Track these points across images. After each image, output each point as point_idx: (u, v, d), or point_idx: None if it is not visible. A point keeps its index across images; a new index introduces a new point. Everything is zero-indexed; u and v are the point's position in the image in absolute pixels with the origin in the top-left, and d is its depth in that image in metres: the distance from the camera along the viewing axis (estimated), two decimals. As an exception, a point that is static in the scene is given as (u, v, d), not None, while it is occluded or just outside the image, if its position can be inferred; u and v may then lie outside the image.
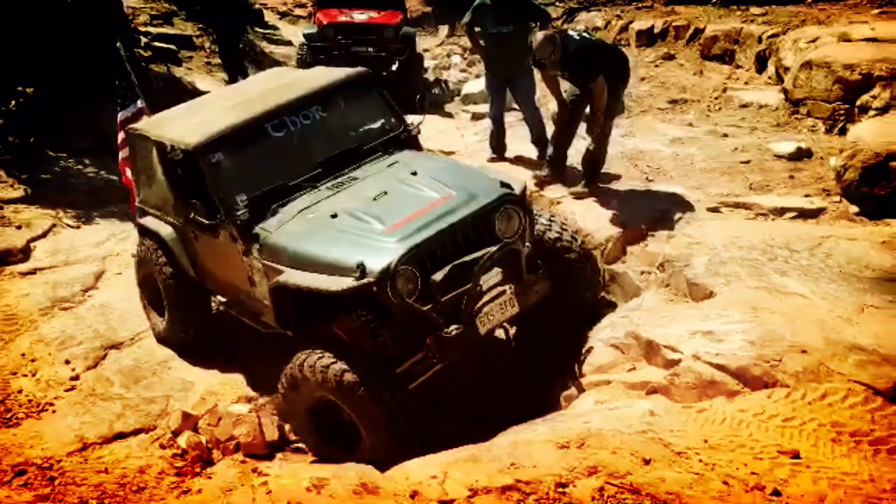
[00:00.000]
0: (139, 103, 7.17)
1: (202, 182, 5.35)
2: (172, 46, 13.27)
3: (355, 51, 12.29)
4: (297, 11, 19.61)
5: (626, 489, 3.35)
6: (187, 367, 6.06)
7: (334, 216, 4.95)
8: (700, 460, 3.61)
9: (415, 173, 5.25)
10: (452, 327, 4.55)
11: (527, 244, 4.94)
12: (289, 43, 16.05)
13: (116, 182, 7.33)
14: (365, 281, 4.40)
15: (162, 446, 5.16)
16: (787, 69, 9.87)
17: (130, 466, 4.89)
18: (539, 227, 5.30)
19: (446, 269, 4.62)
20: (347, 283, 4.46)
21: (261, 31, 16.31)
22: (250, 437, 5.12)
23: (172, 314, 6.11)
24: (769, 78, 10.75)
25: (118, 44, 7.32)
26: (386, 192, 5.08)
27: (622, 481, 3.40)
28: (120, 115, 7.18)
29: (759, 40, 11.51)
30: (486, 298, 4.71)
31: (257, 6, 16.71)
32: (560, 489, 3.36)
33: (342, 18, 12.61)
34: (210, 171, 5.22)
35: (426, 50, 15.26)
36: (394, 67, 12.38)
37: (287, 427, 5.29)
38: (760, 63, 11.32)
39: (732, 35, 12.15)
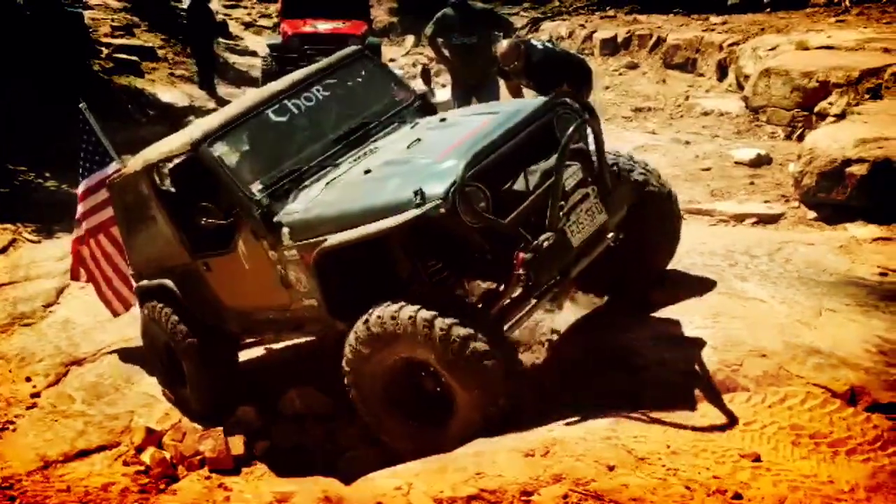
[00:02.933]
0: (112, 166, 6.37)
1: (208, 188, 5.00)
2: (135, 58, 13.17)
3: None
4: (262, 22, 19.58)
5: (589, 495, 3.37)
6: (151, 382, 5.98)
7: (368, 171, 4.50)
8: (662, 465, 3.63)
9: (444, 119, 4.95)
10: (543, 237, 3.97)
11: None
12: (254, 53, 16.01)
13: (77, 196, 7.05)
14: (431, 205, 3.88)
15: (125, 463, 5.09)
16: (747, 77, 10.05)
17: (93, 484, 4.82)
18: (620, 163, 4.79)
19: (520, 176, 4.18)
20: (408, 215, 3.93)
21: (225, 41, 16.24)
22: (216, 452, 5.07)
23: (198, 378, 5.47)
24: (730, 86, 10.95)
25: (81, 104, 6.52)
26: (419, 139, 4.66)
27: (586, 488, 3.41)
28: (83, 185, 6.51)
29: (720, 49, 11.71)
30: (570, 203, 4.17)
31: (221, 17, 16.64)
32: (525, 497, 3.37)
33: (307, 29, 12.63)
34: (217, 165, 4.76)
35: (392, 60, 15.29)
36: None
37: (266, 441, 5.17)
38: (721, 71, 11.53)
39: (694, 44, 12.36)
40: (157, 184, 5.34)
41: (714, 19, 13.02)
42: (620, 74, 12.84)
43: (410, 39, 16.39)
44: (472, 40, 7.43)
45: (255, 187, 4.65)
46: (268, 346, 6.03)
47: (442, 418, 4.06)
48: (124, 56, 13.04)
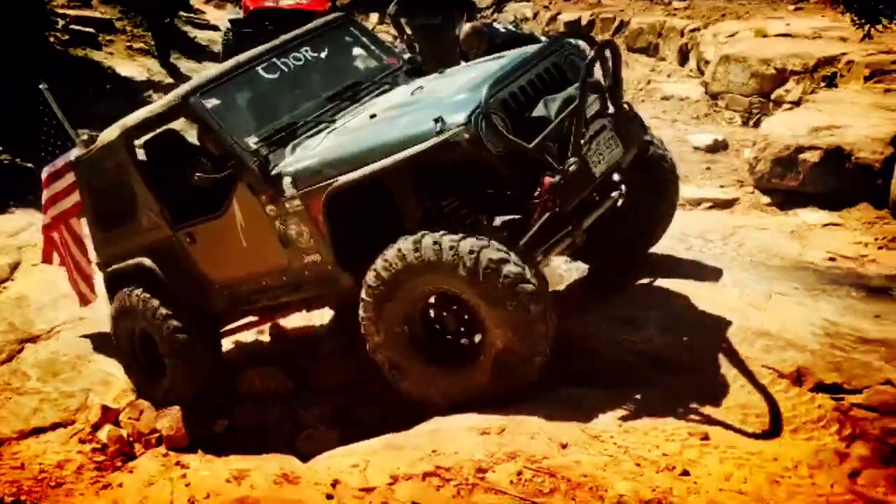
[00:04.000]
0: (74, 151, 6.02)
1: (183, 161, 4.78)
2: (91, 30, 12.89)
3: (283, 37, 12.14)
4: (224, -5, 19.24)
5: (543, 472, 3.45)
6: (108, 359, 5.93)
7: (373, 116, 4.39)
8: (614, 443, 3.73)
9: (442, 72, 4.88)
10: (568, 162, 3.87)
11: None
12: (215, 28, 15.74)
13: (34, 169, 6.81)
14: (454, 130, 3.77)
15: (81, 441, 5.05)
16: (707, 63, 10.17)
17: (48, 462, 4.78)
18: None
19: (540, 103, 4.09)
20: (430, 142, 3.82)
21: (186, 15, 15.96)
22: (173, 430, 5.06)
23: (182, 364, 5.17)
24: (691, 71, 11.07)
25: (42, 85, 6.16)
26: (422, 87, 4.59)
27: (539, 465, 3.49)
28: (46, 170, 6.19)
29: (682, 34, 11.83)
30: (589, 133, 4.07)
31: (182, -11, 16.33)
32: (479, 474, 3.44)
33: (269, 4, 12.46)
34: (209, 117, 4.58)
35: (356, 38, 15.14)
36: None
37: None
38: (683, 56, 11.64)
39: (656, 28, 12.46)
40: (135, 152, 5.14)
41: (677, 4, 13.12)
42: (583, 57, 12.91)
43: (375, 17, 16.25)
44: (435, 21, 7.42)
45: (251, 140, 4.51)
46: (253, 328, 5.80)
47: (466, 361, 3.97)
48: (80, 28, 12.75)
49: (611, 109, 4.24)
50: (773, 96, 8.56)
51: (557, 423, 3.87)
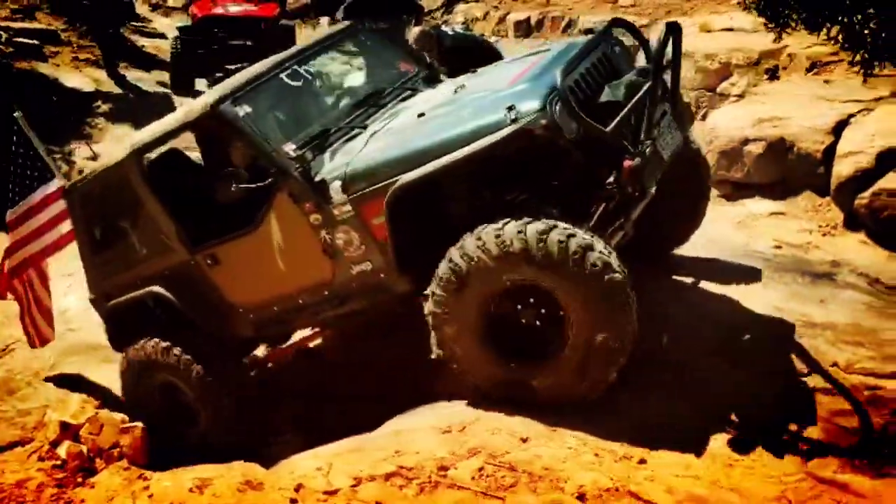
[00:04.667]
0: (54, 183, 5.43)
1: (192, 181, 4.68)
2: (36, 42, 12.66)
3: (232, 44, 12.06)
4: (171, 3, 19.04)
5: (504, 467, 3.51)
6: (66, 376, 5.87)
7: (421, 115, 4.27)
8: (573, 435, 3.79)
9: (475, 71, 4.79)
10: (645, 145, 3.83)
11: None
12: (162, 36, 15.57)
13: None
14: (532, 117, 3.66)
15: (41, 458, 4.98)
16: (654, 59, 10.32)
17: (7, 481, 4.71)
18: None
19: (606, 89, 4.05)
20: (507, 130, 3.70)
21: (133, 24, 15.76)
22: (137, 443, 5.00)
23: (216, 407, 4.81)
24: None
25: (17, 113, 5.57)
26: (463, 86, 4.49)
27: (500, 460, 3.55)
28: (11, 213, 5.61)
29: (629, 31, 11.98)
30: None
31: (127, -2, 16.13)
32: (442, 472, 3.49)
33: (217, 10, 12.36)
34: (243, 125, 4.32)
35: (307, 42, 15.10)
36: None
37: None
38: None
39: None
40: (147, 171, 4.79)
41: (623, 1, 13.31)
42: (534, 56, 13.04)
43: (325, 21, 16.22)
44: (382, 25, 7.45)
45: (289, 147, 4.31)
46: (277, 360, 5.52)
47: (543, 357, 3.82)
48: (25, 40, 12.51)
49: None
50: (718, 90, 8.73)
51: (518, 419, 3.93)
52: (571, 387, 3.80)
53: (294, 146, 4.32)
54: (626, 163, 3.74)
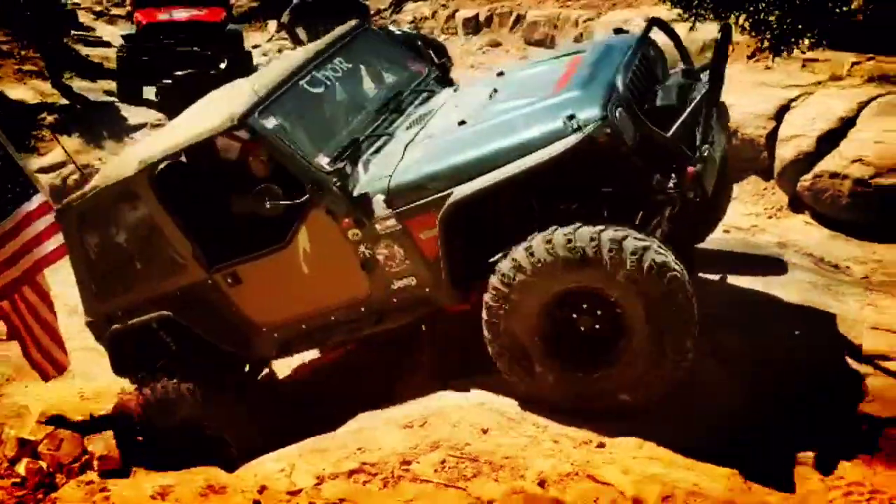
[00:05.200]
0: (36, 199, 5.12)
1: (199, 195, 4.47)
2: (-23, 54, 12.41)
3: (180, 50, 11.95)
4: (115, 11, 18.76)
5: (465, 458, 3.56)
6: (21, 391, 5.78)
7: (463, 122, 4.11)
8: (533, 424, 3.86)
9: (502, 73, 4.67)
10: (703, 149, 3.76)
11: None
12: (108, 44, 15.34)
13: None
14: (594, 125, 3.57)
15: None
16: (600, 51, 10.47)
17: (-35, 502, 4.65)
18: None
19: (659, 92, 3.99)
20: (566, 143, 3.60)
21: (77, 33, 15.50)
22: (106, 451, 4.95)
23: (239, 429, 4.62)
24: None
25: None
26: (496, 90, 4.37)
27: (462, 451, 3.60)
28: None
29: (576, 24, 12.14)
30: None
31: (69, 6, 15.86)
32: (404, 466, 3.53)
33: (162, 17, 12.22)
34: (276, 138, 4.13)
35: (256, 46, 15.01)
36: (222, 66, 12.14)
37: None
38: (578, 46, 11.93)
39: (552, 20, 12.75)
40: (159, 188, 4.49)
41: (569, -4, 13.45)
42: (484, 53, 13.10)
43: (273, 24, 16.13)
44: (329, 26, 7.44)
45: (322, 160, 4.13)
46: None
47: (602, 363, 3.73)
48: (-35, 53, 12.26)
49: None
50: (664, 80, 8.89)
51: (477, 410, 3.98)
52: (634, 391, 3.70)
53: (328, 158, 4.14)
54: (690, 169, 3.69)
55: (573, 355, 3.75)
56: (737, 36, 8.02)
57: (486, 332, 3.82)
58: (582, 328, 3.72)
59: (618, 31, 4.80)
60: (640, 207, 3.92)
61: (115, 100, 12.46)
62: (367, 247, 4.06)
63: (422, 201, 3.89)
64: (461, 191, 3.78)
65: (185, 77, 11.84)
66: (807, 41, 3.31)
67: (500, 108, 4.12)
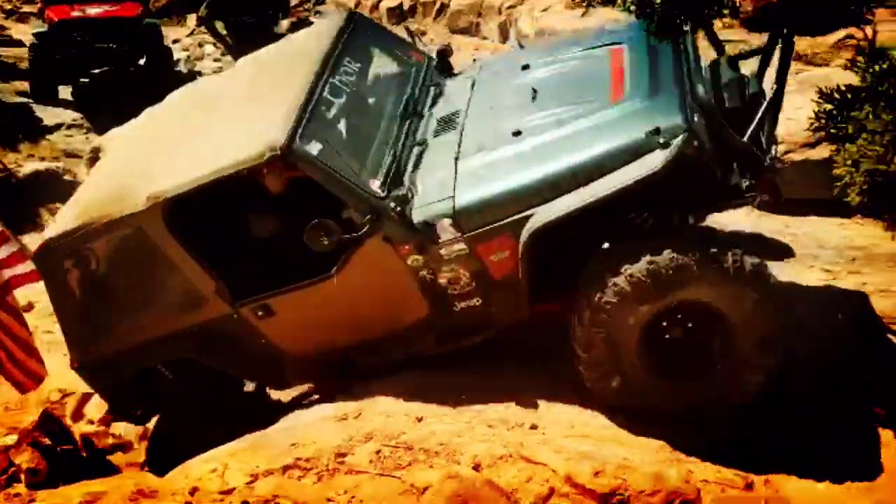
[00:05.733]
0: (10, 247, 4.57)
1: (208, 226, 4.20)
2: None
3: (96, 48, 11.58)
4: (26, 8, 18.06)
5: (401, 447, 3.58)
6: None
7: (518, 133, 3.92)
8: (467, 410, 3.89)
9: (527, 66, 4.44)
10: (772, 153, 3.78)
11: None
12: (20, 43, 14.78)
13: None
14: (682, 138, 3.45)
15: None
16: (525, 37, 10.56)
17: None
18: None
19: (726, 93, 3.89)
20: (657, 160, 3.46)
21: (-16, 32, 14.91)
22: (34, 463, 4.78)
23: None
24: (512, 47, 11.45)
25: None
26: (535, 90, 4.16)
27: (397, 441, 3.61)
28: None
29: (500, 11, 12.21)
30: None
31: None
32: (339, 459, 3.52)
33: (75, 14, 11.79)
34: (321, 167, 3.79)
35: (176, 41, 14.65)
36: (140, 62, 11.83)
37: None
38: (503, 33, 12.01)
39: (476, 8, 12.79)
40: (173, 223, 4.09)
41: (492, -17, 13.48)
42: (409, 42, 13.08)
43: (193, 18, 15.78)
44: (248, 19, 7.33)
45: (374, 184, 3.87)
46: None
47: (704, 370, 3.72)
48: None
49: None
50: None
51: (413, 399, 3.99)
52: (740, 389, 3.71)
53: (378, 181, 3.89)
54: (769, 176, 3.72)
55: (673, 366, 3.72)
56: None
57: (578, 350, 3.73)
58: (684, 339, 3.68)
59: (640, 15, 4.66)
60: (705, 210, 3.97)
61: (30, 101, 12.02)
62: (429, 271, 3.87)
63: (496, 224, 3.73)
64: (546, 214, 3.62)
65: (102, 75, 11.50)
66: (689, 25, 3.36)
67: (554, 115, 3.93)
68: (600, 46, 4.36)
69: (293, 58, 4.57)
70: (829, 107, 3.05)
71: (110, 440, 5.19)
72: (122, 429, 5.21)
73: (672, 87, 3.77)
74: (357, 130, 4.18)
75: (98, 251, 4.28)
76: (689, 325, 3.66)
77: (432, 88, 4.62)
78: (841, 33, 6.83)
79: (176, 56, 13.24)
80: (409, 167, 4.04)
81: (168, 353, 4.37)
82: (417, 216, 3.80)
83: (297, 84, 4.15)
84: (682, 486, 3.26)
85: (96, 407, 5.30)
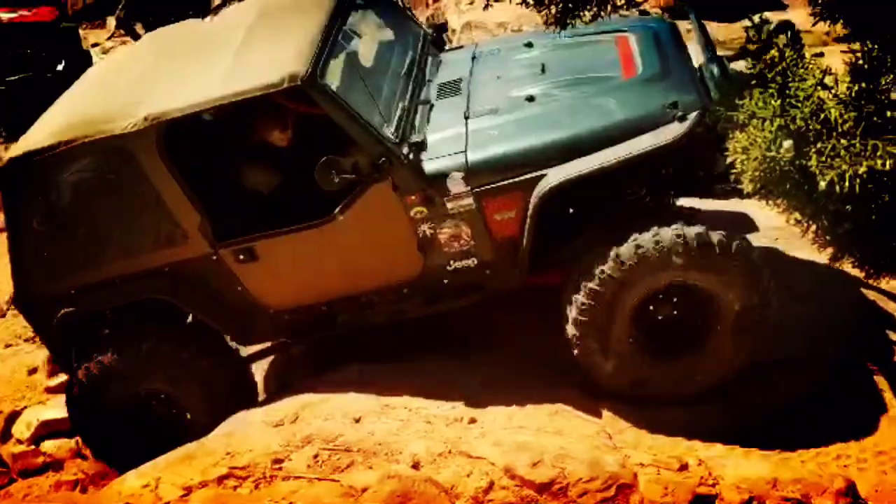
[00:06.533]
0: None
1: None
2: None
3: (11, 54, 11.20)
4: (-65, 15, 17.35)
5: (339, 450, 3.53)
6: None
7: (531, 99, 3.96)
8: (406, 408, 3.88)
9: (530, 44, 4.47)
10: None
11: None
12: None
13: None
14: (696, 114, 3.55)
15: None
16: (454, 31, 10.58)
17: None
18: None
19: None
20: (674, 131, 3.54)
21: None
22: None
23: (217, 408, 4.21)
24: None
25: None
26: (544, 64, 4.20)
27: (335, 443, 3.57)
28: None
29: (427, 5, 12.18)
30: None
31: None
32: (276, 465, 3.46)
33: (-16, 20, 11.40)
34: (341, 102, 3.70)
35: (95, 45, 14.26)
36: (59, 67, 11.48)
37: None
38: (432, 26, 11.98)
39: (404, 2, 12.73)
40: (165, 149, 3.84)
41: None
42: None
43: (112, 21, 15.36)
44: (170, 20, 7.15)
45: (388, 130, 3.79)
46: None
47: (694, 346, 3.79)
48: None
49: None
50: (515, 56, 9.08)
51: (350, 399, 3.96)
52: (737, 358, 3.79)
53: (391, 129, 3.81)
54: None
55: (663, 345, 3.80)
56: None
57: (571, 328, 3.76)
58: (673, 318, 3.77)
59: (643, 12, 4.78)
60: (699, 192, 4.17)
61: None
62: (429, 225, 3.84)
63: (507, 181, 3.72)
64: (561, 173, 3.63)
65: (19, 82, 11.13)
66: (588, 13, 3.40)
67: (567, 86, 4.00)
68: (604, 32, 4.41)
69: (299, 2, 4.41)
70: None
71: (41, 459, 5.04)
72: (54, 448, 5.07)
73: (683, 69, 3.91)
74: (368, 78, 4.05)
75: (74, 173, 4.02)
76: (677, 305, 3.74)
77: (430, 57, 4.57)
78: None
79: (95, 60, 12.89)
80: (418, 121, 4.00)
81: (134, 293, 4.10)
82: (428, 168, 3.78)
83: (311, 24, 4.03)
84: (619, 470, 3.29)
85: (25, 425, 5.14)
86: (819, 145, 2.32)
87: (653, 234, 3.55)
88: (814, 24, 2.59)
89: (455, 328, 4.52)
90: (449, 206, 3.78)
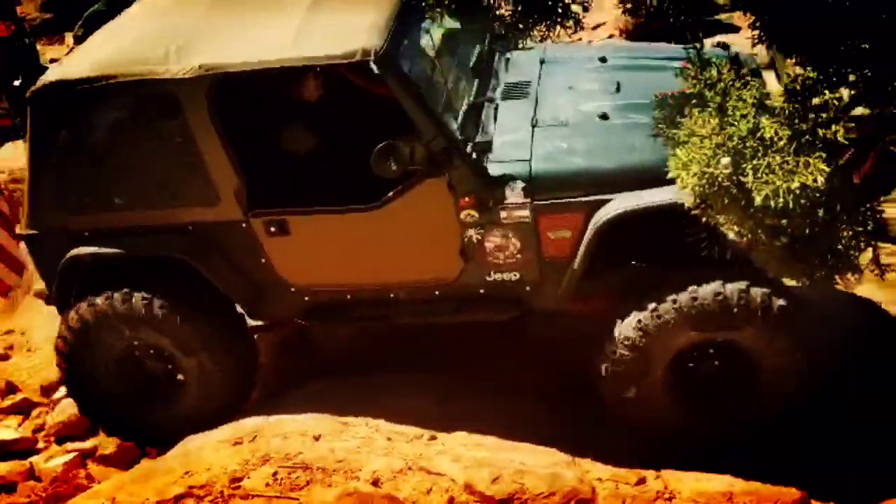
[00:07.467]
0: None
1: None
2: None
3: (-32, 70, 11.03)
4: None
5: (298, 468, 3.51)
6: None
7: (604, 116, 3.76)
8: (366, 425, 3.87)
9: (604, 59, 4.25)
10: None
11: None
12: None
13: None
14: None
15: None
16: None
17: None
18: None
19: None
20: None
21: None
22: None
23: (219, 375, 4.15)
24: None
25: None
26: (619, 83, 3.98)
27: (294, 461, 3.55)
28: None
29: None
30: None
31: None
32: (234, 484, 3.43)
33: (-67, 37, 11.21)
34: (411, 85, 3.52)
35: (54, 60, 14.09)
36: (17, 83, 11.31)
37: None
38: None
39: None
40: (213, 103, 3.67)
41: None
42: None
43: (70, 37, 15.19)
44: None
45: (454, 124, 3.62)
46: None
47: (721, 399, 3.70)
48: None
49: None
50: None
51: (310, 417, 3.94)
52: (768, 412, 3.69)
53: (457, 124, 3.63)
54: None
55: (691, 390, 3.71)
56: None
57: (607, 361, 3.65)
58: (713, 370, 3.67)
59: (721, 45, 4.46)
60: None
61: None
62: (477, 231, 3.67)
63: (571, 199, 3.56)
64: (631, 201, 3.46)
65: (-25, 99, 10.95)
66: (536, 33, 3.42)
67: (642, 108, 3.70)
68: (679, 59, 4.33)
69: None
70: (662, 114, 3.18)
71: (-8, 482, 4.92)
72: (5, 469, 4.96)
73: None
74: (436, 66, 3.88)
75: (110, 110, 3.86)
76: (715, 357, 3.65)
77: (498, 54, 4.35)
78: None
79: (54, 76, 12.73)
80: (483, 120, 3.83)
81: (153, 247, 3.93)
82: (493, 171, 3.61)
83: (382, 3, 3.81)
84: (577, 485, 3.32)
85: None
86: (755, 162, 2.40)
87: (714, 287, 3.43)
88: (752, 47, 2.69)
89: (415, 344, 4.54)
90: (502, 214, 3.62)
